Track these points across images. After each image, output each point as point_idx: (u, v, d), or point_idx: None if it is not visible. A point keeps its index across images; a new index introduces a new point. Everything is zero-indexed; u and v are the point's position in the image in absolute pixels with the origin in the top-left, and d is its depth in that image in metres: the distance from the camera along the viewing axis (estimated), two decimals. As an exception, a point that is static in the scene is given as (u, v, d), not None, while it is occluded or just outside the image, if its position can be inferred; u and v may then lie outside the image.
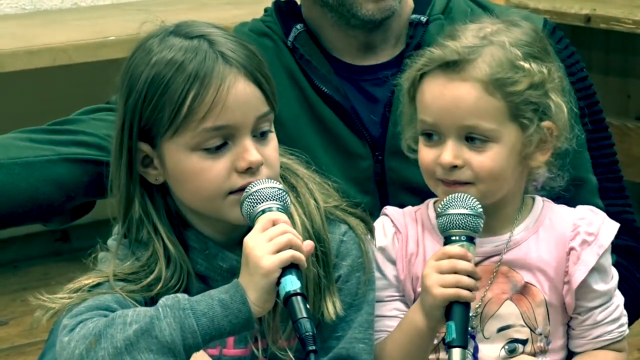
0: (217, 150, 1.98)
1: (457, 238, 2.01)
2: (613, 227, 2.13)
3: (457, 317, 1.98)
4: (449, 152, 2.04)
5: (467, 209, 2.02)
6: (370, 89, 2.31)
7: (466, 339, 1.99)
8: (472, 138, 2.05)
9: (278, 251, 1.91)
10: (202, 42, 2.00)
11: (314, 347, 1.88)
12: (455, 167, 2.03)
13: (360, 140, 2.29)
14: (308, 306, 1.92)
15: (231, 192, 1.98)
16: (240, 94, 1.97)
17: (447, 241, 2.03)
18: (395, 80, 2.21)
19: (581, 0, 4.14)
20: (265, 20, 2.37)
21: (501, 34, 2.10)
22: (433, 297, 1.99)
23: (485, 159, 2.03)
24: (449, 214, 2.02)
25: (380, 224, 2.13)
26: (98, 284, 2.01)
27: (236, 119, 1.96)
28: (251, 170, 1.97)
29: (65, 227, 3.58)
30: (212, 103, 1.96)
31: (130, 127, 2.01)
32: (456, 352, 1.95)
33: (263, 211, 1.95)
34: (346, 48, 2.33)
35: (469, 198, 2.02)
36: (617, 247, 2.20)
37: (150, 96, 1.99)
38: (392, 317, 2.10)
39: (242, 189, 1.98)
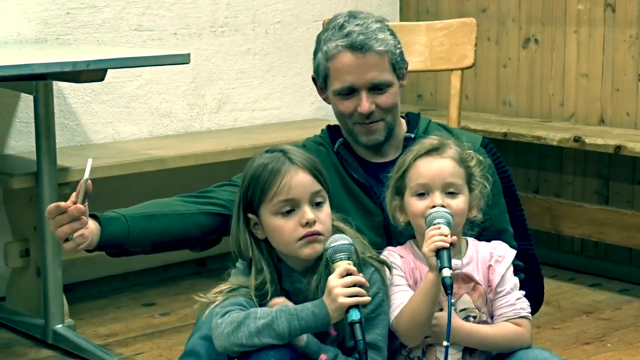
0: (288, 214, 2.32)
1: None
2: (512, 252, 2.49)
3: (442, 256, 2.32)
4: (439, 198, 2.41)
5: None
6: (381, 176, 2.60)
7: (450, 263, 2.29)
8: (450, 191, 2.40)
9: (350, 296, 2.22)
10: (278, 153, 2.36)
11: None
12: (442, 206, 2.39)
13: (375, 205, 2.62)
14: (363, 329, 2.22)
15: (299, 239, 2.31)
16: (299, 179, 2.32)
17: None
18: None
19: (500, 123, 4.78)
20: (322, 136, 2.76)
21: (452, 143, 2.47)
22: (427, 253, 2.32)
23: (459, 202, 2.43)
24: None
25: (392, 254, 2.47)
26: (232, 289, 2.35)
27: (297, 194, 2.32)
28: (308, 224, 2.29)
29: (203, 255, 4.27)
30: (281, 185, 2.31)
31: (244, 202, 2.37)
32: (446, 270, 2.29)
33: (341, 259, 2.27)
34: (365, 153, 2.69)
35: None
36: (524, 269, 2.60)
37: (251, 184, 2.35)
38: (406, 290, 2.42)
39: (305, 237, 2.29)
